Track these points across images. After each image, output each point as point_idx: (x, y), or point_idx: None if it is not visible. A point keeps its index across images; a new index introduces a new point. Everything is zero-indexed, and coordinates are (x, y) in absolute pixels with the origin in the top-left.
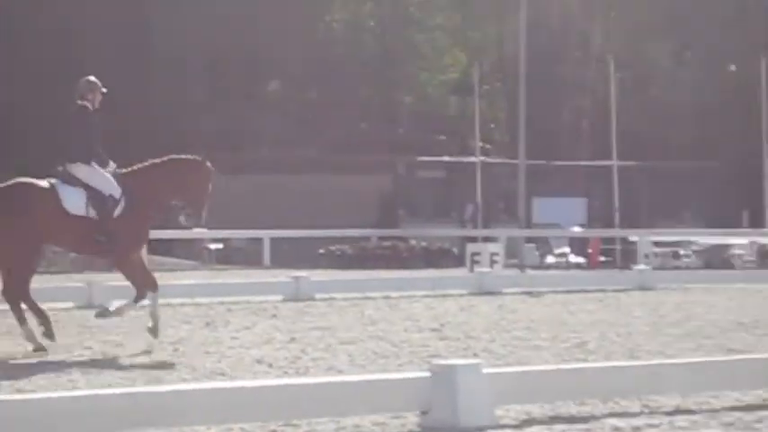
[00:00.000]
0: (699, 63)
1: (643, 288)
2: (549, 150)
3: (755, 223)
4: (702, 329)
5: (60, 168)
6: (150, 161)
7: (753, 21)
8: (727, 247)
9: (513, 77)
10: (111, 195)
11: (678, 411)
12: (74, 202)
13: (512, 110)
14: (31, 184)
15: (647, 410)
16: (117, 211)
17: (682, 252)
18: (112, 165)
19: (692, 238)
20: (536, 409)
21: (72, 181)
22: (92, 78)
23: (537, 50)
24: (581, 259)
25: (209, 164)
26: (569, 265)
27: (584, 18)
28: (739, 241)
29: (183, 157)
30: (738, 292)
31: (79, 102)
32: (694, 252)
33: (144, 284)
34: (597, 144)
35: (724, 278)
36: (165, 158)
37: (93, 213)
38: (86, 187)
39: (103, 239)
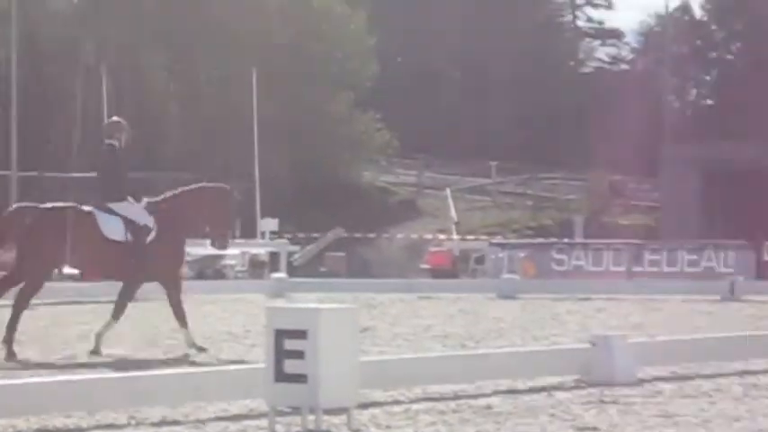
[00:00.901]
0: (189, 76)
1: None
2: (41, 161)
3: (247, 234)
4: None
5: (94, 203)
6: (181, 189)
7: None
8: (220, 257)
9: (6, 82)
10: (145, 224)
11: (164, 423)
12: (111, 227)
13: (3, 118)
14: (74, 207)
15: (133, 422)
16: (150, 237)
17: None
18: (145, 200)
19: (186, 249)
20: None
21: (108, 210)
22: (118, 119)
23: (30, 56)
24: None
25: (234, 192)
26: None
27: (77, 26)
28: (231, 252)
29: (212, 185)
30: (230, 302)
31: (107, 141)
32: (187, 263)
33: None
34: (88, 156)
35: (216, 288)
36: (194, 186)
37: (129, 238)
38: (122, 217)
39: (136, 263)
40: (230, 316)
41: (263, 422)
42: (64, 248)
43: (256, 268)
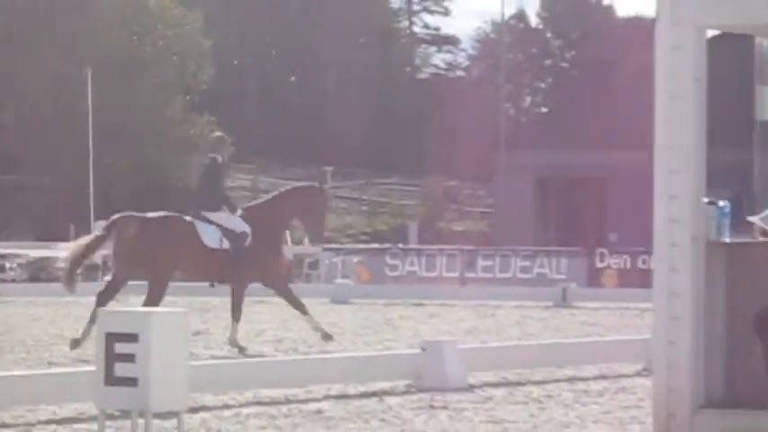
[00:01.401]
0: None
1: None
2: None
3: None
4: (24, 342)
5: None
6: (277, 191)
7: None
8: (53, 260)
9: None
10: (243, 231)
11: None
12: (210, 236)
13: None
14: (177, 217)
15: None
16: (247, 242)
17: (8, 265)
18: (240, 210)
19: (20, 251)
20: None
21: (207, 220)
22: (222, 134)
23: None
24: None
25: (325, 189)
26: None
27: None
28: (64, 255)
29: (304, 184)
30: (63, 305)
31: (211, 155)
32: (20, 266)
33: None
34: None
35: (48, 291)
36: (287, 188)
37: (225, 245)
38: (220, 226)
39: (237, 268)
40: (62, 319)
41: (93, 426)
42: (173, 254)
43: (90, 271)
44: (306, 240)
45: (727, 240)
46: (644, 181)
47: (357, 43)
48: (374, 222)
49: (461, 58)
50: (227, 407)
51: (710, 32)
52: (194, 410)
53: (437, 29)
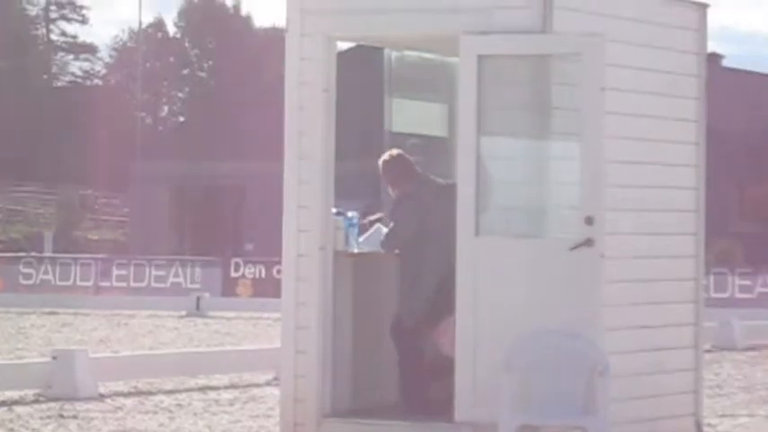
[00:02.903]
0: None
1: None
2: None
3: None
4: None
5: None
6: None
7: None
8: None
9: None
10: None
11: None
12: None
13: None
14: None
15: None
16: None
17: None
18: None
19: None
20: None
21: None
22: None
23: None
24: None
25: None
26: None
27: None
28: None
29: None
30: None
31: None
32: None
33: None
34: None
35: None
36: None
37: None
38: None
39: None
40: None
41: None
42: None
43: None
44: None
45: (355, 251)
46: (280, 191)
47: None
48: (8, 230)
49: (99, 67)
50: None
51: (344, 44)
52: None
53: (75, 37)
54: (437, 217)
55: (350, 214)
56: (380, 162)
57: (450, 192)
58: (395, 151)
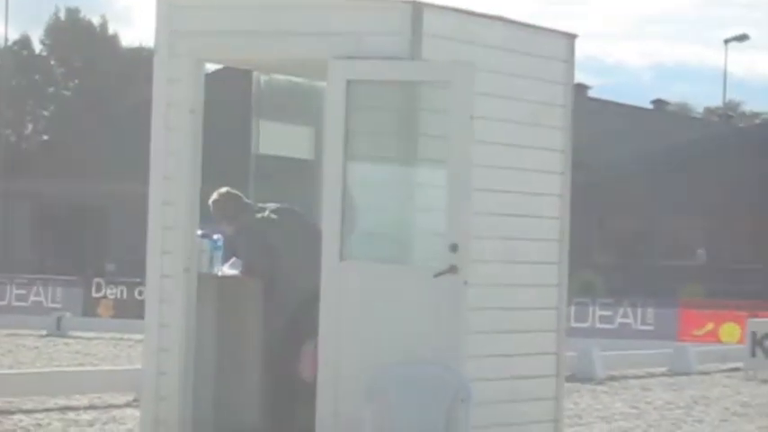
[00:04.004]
0: None
1: None
2: None
3: None
4: None
5: None
6: None
7: None
8: None
9: None
10: None
11: None
12: None
13: None
14: None
15: None
16: None
17: None
18: None
19: None
20: None
21: None
22: None
23: None
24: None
25: None
26: None
27: None
28: None
29: None
30: None
31: None
32: None
33: None
34: None
35: None
36: None
37: None
38: None
39: None
40: None
41: None
42: None
43: None
44: None
45: (219, 273)
46: (144, 211)
47: None
48: None
49: None
50: None
51: (214, 66)
52: None
53: None
54: (279, 241)
55: (215, 237)
56: (211, 202)
57: (284, 215)
58: (223, 189)
